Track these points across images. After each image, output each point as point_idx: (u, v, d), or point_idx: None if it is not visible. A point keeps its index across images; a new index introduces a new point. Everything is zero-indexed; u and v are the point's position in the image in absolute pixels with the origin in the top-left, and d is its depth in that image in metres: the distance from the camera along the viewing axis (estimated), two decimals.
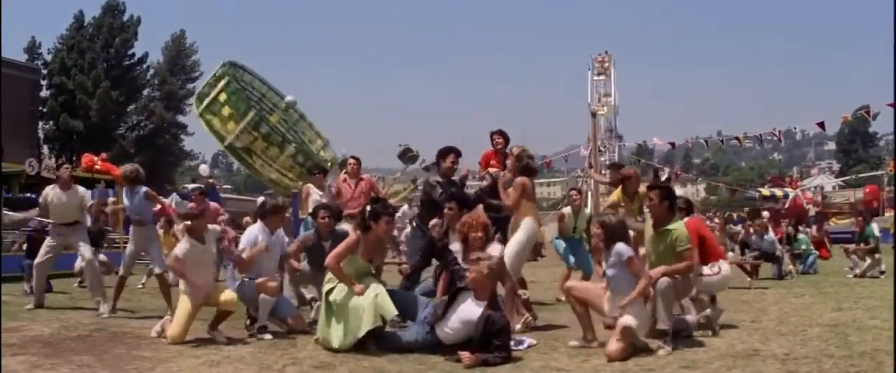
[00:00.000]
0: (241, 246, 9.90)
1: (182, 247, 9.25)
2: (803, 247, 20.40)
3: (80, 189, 12.22)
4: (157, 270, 11.86)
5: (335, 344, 8.27)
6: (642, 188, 12.02)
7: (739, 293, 13.47)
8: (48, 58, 66.82)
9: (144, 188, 11.80)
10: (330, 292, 8.55)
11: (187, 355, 7.99)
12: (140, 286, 15.22)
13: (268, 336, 9.04)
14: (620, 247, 8.25)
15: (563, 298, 12.66)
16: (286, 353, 8.07)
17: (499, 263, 8.67)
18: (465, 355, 7.42)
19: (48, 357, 7.81)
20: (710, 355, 7.67)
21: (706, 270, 9.38)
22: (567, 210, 13.52)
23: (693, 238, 8.99)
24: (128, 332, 9.55)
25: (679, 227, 8.77)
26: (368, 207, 8.97)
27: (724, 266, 9.79)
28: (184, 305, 9.06)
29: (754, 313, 10.89)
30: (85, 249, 11.92)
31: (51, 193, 11.86)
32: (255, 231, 9.82)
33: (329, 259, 8.52)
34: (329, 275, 8.66)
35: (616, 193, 12.25)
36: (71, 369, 7.33)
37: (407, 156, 29.74)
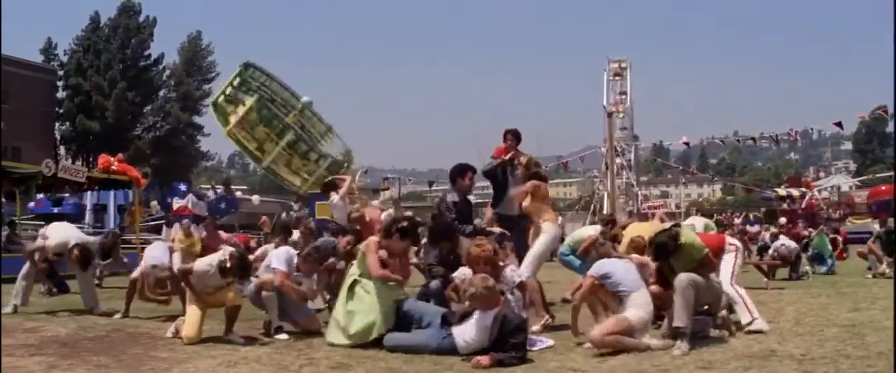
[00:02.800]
0: (274, 264, 9.84)
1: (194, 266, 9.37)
2: (823, 249, 20.25)
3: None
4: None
5: (350, 335, 8.49)
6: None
7: (756, 294, 13.38)
8: (64, 59, 67.31)
9: None
10: (353, 284, 8.76)
11: (204, 355, 8.01)
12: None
13: (284, 336, 9.05)
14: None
15: (569, 298, 12.66)
16: (302, 354, 8.08)
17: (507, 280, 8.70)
18: (479, 360, 7.40)
19: (65, 357, 7.85)
20: (727, 356, 7.65)
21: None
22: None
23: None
24: (144, 332, 9.59)
25: (690, 239, 8.78)
26: (397, 224, 9.06)
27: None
28: (192, 306, 9.17)
29: (771, 313, 10.84)
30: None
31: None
32: (290, 253, 10.02)
33: (373, 273, 8.66)
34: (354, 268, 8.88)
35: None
36: (88, 370, 7.35)
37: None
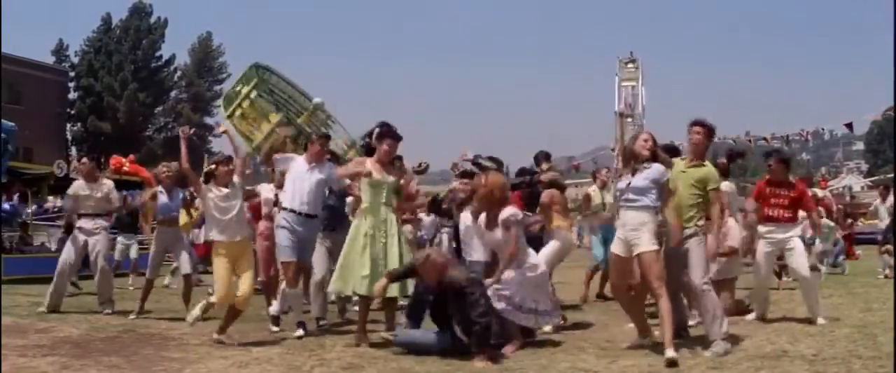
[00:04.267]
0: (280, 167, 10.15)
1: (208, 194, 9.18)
2: (827, 242, 20.23)
3: (107, 182, 12.34)
4: (185, 270, 11.91)
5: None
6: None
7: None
8: (76, 60, 67.35)
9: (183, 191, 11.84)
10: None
11: (215, 355, 8.03)
12: (165, 286, 15.25)
13: (300, 332, 9.08)
14: (662, 169, 8.10)
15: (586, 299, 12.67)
16: (314, 354, 8.09)
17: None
18: (480, 364, 7.44)
19: (77, 358, 7.87)
20: (738, 356, 7.64)
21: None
22: (593, 189, 13.30)
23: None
24: (156, 333, 9.61)
25: (711, 167, 8.79)
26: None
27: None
28: (217, 265, 9.07)
29: (782, 313, 10.83)
30: (101, 257, 11.92)
31: (77, 186, 12.05)
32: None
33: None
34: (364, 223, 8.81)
35: None
36: (100, 370, 7.38)
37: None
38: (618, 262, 8.23)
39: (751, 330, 9.22)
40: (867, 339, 8.56)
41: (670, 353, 7.43)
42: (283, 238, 9.46)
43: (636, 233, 7.86)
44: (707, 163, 8.78)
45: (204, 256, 20.34)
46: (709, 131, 8.83)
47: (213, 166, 9.26)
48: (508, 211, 8.59)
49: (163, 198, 11.88)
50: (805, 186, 10.78)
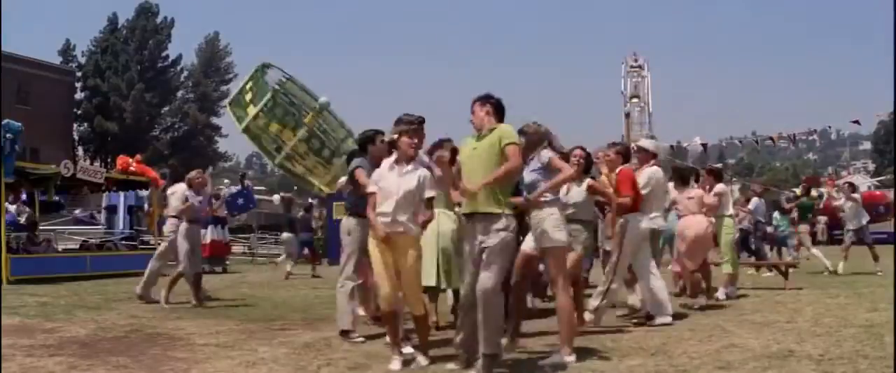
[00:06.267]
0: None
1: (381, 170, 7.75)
2: (781, 228, 20.50)
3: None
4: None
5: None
6: None
7: (774, 294, 13.38)
8: (82, 60, 67.56)
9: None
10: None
11: (222, 355, 8.03)
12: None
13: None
14: (544, 152, 7.98)
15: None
16: (321, 354, 8.09)
17: None
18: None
19: (85, 358, 7.88)
20: (745, 356, 7.63)
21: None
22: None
23: (627, 183, 9.65)
24: (163, 333, 9.62)
25: (504, 126, 7.38)
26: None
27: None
28: (374, 254, 7.62)
29: (789, 313, 10.82)
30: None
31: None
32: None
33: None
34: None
35: None
36: (107, 370, 7.38)
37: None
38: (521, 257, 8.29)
39: (757, 330, 9.22)
40: (874, 339, 8.54)
41: (565, 356, 7.51)
42: None
43: (539, 228, 7.76)
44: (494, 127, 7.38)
45: (210, 256, 20.49)
46: (486, 104, 7.50)
47: (396, 135, 7.69)
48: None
49: (194, 199, 12.93)
50: (624, 175, 10.18)
